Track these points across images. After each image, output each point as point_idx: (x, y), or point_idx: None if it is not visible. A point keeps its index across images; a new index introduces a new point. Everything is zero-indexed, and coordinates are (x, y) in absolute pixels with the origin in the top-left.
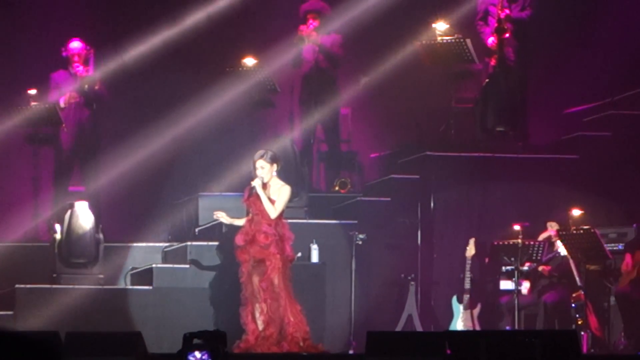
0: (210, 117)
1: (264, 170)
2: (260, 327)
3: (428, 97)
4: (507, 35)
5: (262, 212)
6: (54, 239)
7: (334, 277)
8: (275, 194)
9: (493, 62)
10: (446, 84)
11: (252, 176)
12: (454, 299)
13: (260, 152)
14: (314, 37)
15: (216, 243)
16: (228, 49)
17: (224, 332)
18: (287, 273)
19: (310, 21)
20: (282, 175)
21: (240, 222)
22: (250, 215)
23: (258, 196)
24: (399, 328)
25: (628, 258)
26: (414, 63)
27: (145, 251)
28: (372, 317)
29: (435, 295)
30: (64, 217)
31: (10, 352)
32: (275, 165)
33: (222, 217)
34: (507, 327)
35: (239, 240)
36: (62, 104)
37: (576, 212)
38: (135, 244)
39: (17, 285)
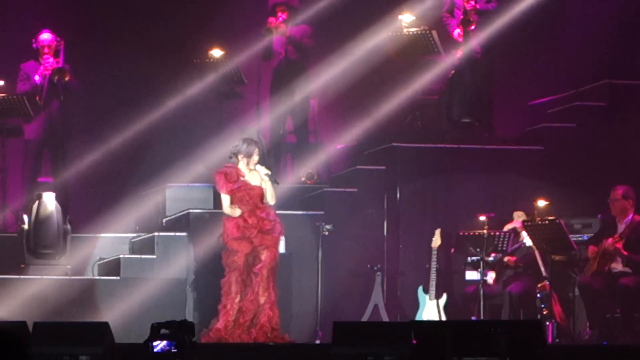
0: (177, 108)
1: (257, 158)
2: (234, 316)
3: (394, 88)
4: (473, 27)
5: (255, 200)
6: (22, 229)
7: (301, 267)
8: (260, 180)
9: (459, 54)
10: (412, 75)
11: (243, 161)
12: (420, 289)
13: (254, 140)
14: (282, 29)
15: (184, 234)
16: (195, 40)
17: (191, 322)
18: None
19: (279, 14)
20: None
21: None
22: (230, 204)
23: (247, 184)
24: (365, 318)
25: (592, 247)
26: (380, 54)
27: (113, 242)
28: (339, 308)
29: (401, 286)
30: (32, 207)
31: None
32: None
33: (234, 211)
34: (473, 317)
35: (235, 232)
36: (40, 103)
37: (541, 203)
38: (102, 235)
39: None
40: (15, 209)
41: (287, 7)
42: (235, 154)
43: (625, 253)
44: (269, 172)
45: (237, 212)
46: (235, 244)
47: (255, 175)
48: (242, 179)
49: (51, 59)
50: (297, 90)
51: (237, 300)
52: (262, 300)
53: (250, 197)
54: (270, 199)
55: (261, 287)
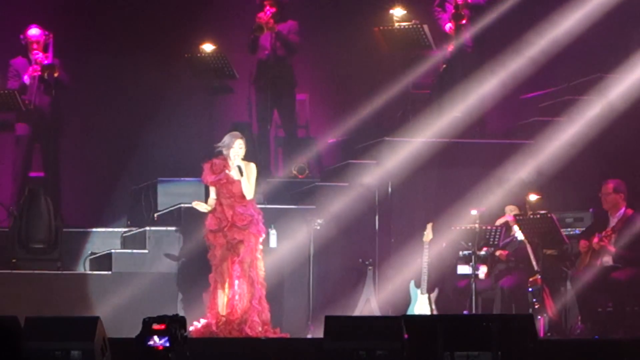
0: (168, 102)
1: (242, 151)
2: (224, 311)
3: (386, 82)
4: (465, 21)
5: (234, 194)
6: (14, 224)
7: (292, 262)
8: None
9: (450, 48)
10: (403, 69)
11: (226, 155)
12: (412, 283)
13: (236, 132)
14: (271, 25)
15: (175, 228)
16: (187, 34)
17: (183, 317)
18: (260, 254)
19: (267, 7)
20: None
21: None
22: (215, 197)
23: (228, 178)
24: (357, 312)
25: (583, 242)
26: (371, 49)
27: (104, 236)
28: (330, 302)
29: (393, 280)
30: (24, 202)
31: None
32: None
33: (200, 205)
34: (465, 312)
35: (212, 224)
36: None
37: (533, 197)
38: (94, 230)
39: None
40: (7, 204)
41: (275, 1)
42: (222, 148)
43: (612, 249)
44: (240, 166)
45: (202, 206)
46: (212, 237)
47: (237, 170)
48: (226, 172)
49: (40, 54)
50: (283, 85)
51: (219, 294)
52: (249, 296)
53: (229, 191)
54: (247, 194)
55: (246, 282)
